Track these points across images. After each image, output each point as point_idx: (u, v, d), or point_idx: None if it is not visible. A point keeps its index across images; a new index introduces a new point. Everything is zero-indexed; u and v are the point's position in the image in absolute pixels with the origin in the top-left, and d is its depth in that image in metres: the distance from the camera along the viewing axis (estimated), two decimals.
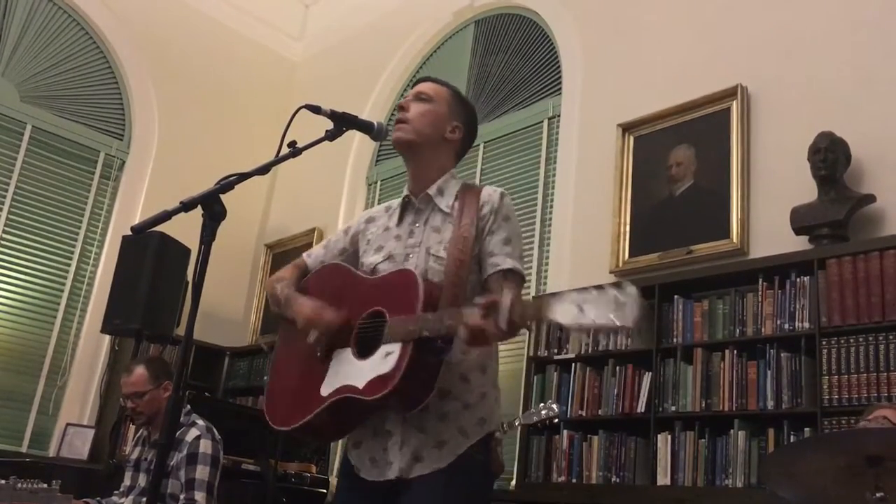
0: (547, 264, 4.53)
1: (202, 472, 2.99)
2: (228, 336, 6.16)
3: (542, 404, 3.44)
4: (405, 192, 2.03)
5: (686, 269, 3.75)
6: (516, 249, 1.89)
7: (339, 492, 2.05)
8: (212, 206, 1.71)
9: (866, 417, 2.46)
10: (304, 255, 2.12)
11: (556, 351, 3.95)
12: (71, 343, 5.62)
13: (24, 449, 5.32)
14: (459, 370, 1.81)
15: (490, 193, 1.94)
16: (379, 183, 5.94)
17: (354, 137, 5.78)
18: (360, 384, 1.73)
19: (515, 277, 1.85)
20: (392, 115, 4.87)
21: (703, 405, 3.33)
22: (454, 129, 2.01)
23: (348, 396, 1.75)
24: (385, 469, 1.81)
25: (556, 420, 3.40)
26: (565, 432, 3.71)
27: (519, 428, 3.63)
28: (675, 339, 3.54)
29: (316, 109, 1.91)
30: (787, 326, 3.20)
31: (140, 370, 3.25)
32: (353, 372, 1.78)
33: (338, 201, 6.06)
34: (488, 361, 1.87)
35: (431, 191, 1.95)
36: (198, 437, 3.06)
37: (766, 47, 3.91)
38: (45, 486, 3.11)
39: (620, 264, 4.06)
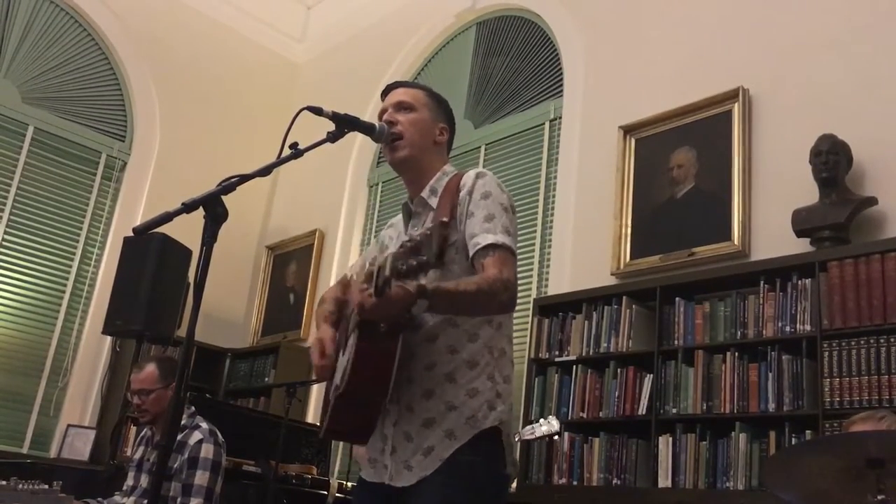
0: (548, 267, 4.53)
1: (201, 477, 2.97)
2: (229, 337, 6.17)
3: (542, 419, 3.36)
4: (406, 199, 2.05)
5: (687, 271, 3.75)
6: (499, 223, 1.82)
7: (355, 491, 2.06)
8: (213, 208, 1.70)
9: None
10: (349, 268, 2.15)
11: (557, 353, 3.94)
12: (72, 344, 5.63)
13: (25, 450, 5.33)
14: (445, 370, 1.79)
15: (468, 176, 1.92)
16: (380, 185, 5.95)
17: (356, 139, 5.80)
18: (339, 380, 1.77)
19: (498, 251, 1.78)
20: None
21: (705, 407, 3.33)
22: (441, 130, 2.03)
23: (336, 395, 1.78)
24: (381, 472, 1.82)
25: (557, 437, 3.36)
26: (566, 435, 3.70)
27: (518, 443, 3.58)
28: (676, 342, 3.53)
29: (317, 111, 1.90)
30: (788, 329, 3.20)
31: (151, 368, 3.24)
32: (339, 370, 1.83)
33: (339, 203, 6.06)
34: (481, 356, 1.82)
35: (424, 193, 1.97)
36: (200, 441, 3.04)
37: (767, 49, 3.91)
38: (46, 486, 3.11)
39: (622, 266, 4.06)
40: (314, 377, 1.91)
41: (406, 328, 1.75)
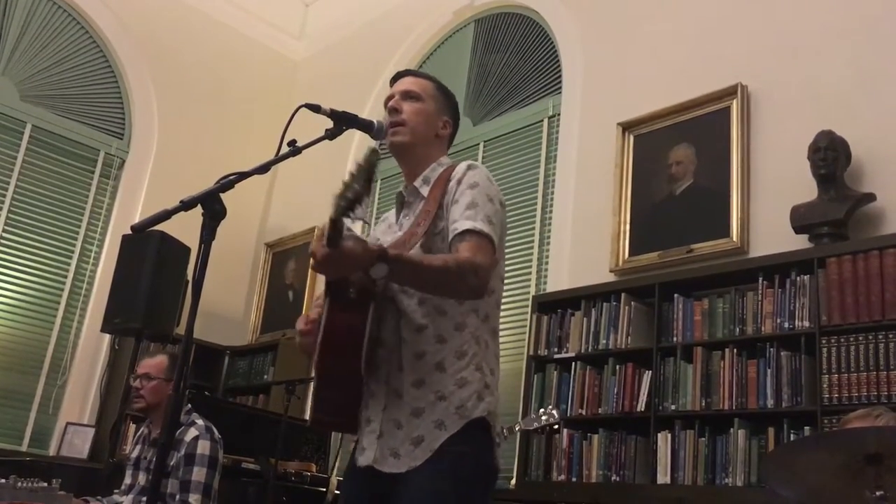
0: (547, 263, 4.53)
1: (199, 473, 2.98)
2: (228, 335, 6.17)
3: (542, 409, 3.38)
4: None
5: (686, 267, 3.75)
6: (482, 211, 1.82)
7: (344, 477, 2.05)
8: (212, 205, 1.70)
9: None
10: None
11: (556, 350, 3.94)
12: (71, 342, 5.63)
13: (24, 448, 5.33)
14: (435, 359, 1.79)
15: (459, 167, 1.93)
16: (379, 182, 5.94)
17: (354, 136, 5.78)
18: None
19: (475, 236, 1.78)
20: None
21: (703, 404, 3.33)
22: (444, 124, 2.04)
23: (315, 372, 1.79)
24: (359, 453, 1.83)
25: (557, 426, 3.38)
26: (565, 431, 3.71)
27: (519, 433, 3.60)
28: (675, 338, 3.54)
29: (316, 108, 1.91)
30: (787, 325, 3.20)
31: (162, 357, 3.31)
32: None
33: None
34: (468, 346, 1.82)
35: (417, 182, 1.97)
36: (196, 438, 3.05)
37: (766, 46, 3.91)
38: (45, 484, 3.11)
39: (620, 263, 4.07)
40: (298, 346, 1.89)
41: (375, 296, 1.74)
